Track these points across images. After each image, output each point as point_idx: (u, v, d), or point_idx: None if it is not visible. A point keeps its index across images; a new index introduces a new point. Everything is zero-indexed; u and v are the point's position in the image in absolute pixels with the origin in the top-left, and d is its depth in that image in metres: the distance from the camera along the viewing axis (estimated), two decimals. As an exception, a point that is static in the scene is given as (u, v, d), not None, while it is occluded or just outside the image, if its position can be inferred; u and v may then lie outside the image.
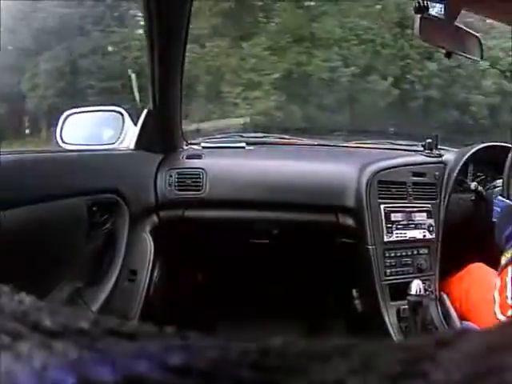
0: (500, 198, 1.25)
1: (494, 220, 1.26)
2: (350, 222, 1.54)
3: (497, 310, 1.09)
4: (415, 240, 1.49)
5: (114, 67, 6.72)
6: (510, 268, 1.08)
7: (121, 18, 7.13)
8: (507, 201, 1.21)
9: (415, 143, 1.86)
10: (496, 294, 1.11)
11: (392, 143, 1.96)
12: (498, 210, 1.24)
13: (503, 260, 1.12)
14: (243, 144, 1.76)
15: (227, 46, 6.28)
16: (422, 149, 1.70)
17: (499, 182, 1.42)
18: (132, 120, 1.56)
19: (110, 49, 6.90)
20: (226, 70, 6.24)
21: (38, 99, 6.94)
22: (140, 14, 6.30)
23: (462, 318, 1.39)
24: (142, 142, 1.49)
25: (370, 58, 6.17)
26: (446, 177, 1.55)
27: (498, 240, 1.21)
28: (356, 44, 6.22)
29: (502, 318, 1.07)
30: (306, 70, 6.02)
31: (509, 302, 1.05)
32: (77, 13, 6.87)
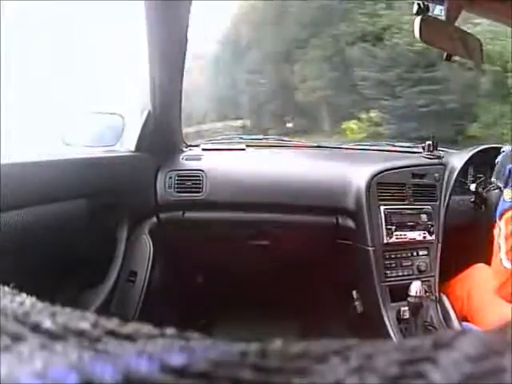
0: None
1: (497, 161, 1.26)
2: (349, 223, 1.54)
3: (503, 256, 1.08)
4: (415, 241, 1.49)
5: (387, 55, 5.94)
6: None
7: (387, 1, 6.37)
8: None
9: (415, 145, 1.86)
10: (501, 241, 1.09)
11: (392, 145, 1.96)
12: (504, 152, 1.25)
13: (507, 196, 1.11)
14: (243, 146, 1.76)
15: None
16: (421, 150, 1.70)
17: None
18: (132, 122, 1.56)
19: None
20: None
21: (307, 91, 6.45)
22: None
23: (463, 318, 1.39)
24: (142, 144, 1.49)
25: None
26: (446, 178, 1.56)
27: (497, 176, 1.22)
28: None
29: (508, 265, 1.06)
30: None
31: None
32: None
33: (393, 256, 1.47)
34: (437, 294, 1.46)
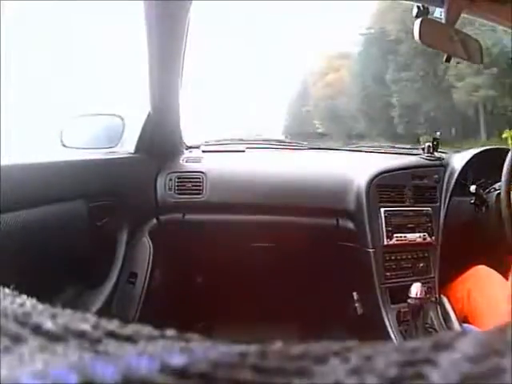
0: None
1: None
2: (350, 225, 1.54)
3: None
4: (415, 243, 1.49)
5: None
6: None
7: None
8: None
9: (415, 146, 1.86)
10: None
11: (392, 146, 1.96)
12: None
13: None
14: (243, 148, 1.76)
15: None
16: (421, 152, 1.70)
17: (499, 184, 1.43)
18: (132, 123, 1.56)
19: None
20: None
21: (465, 90, 5.72)
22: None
23: (463, 319, 1.39)
24: (142, 146, 1.49)
25: None
26: (446, 180, 1.56)
27: None
28: None
29: None
30: None
31: None
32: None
33: (393, 258, 1.47)
34: (437, 296, 1.46)
